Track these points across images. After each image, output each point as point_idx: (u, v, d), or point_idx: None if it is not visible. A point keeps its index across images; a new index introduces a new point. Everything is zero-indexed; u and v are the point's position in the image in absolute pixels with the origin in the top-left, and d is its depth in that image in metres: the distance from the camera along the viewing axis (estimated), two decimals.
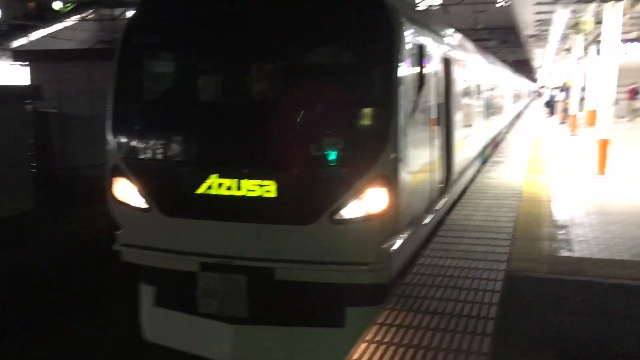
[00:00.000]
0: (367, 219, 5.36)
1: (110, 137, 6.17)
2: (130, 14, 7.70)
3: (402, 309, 5.03)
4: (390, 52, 5.49)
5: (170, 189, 5.98)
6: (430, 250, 6.71)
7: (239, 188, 5.54)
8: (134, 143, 6.15)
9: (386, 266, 5.49)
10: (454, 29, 10.65)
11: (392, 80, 5.45)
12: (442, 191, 7.71)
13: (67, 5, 36.90)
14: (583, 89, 25.73)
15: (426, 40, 6.64)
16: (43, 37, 35.96)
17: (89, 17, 37.35)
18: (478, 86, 12.27)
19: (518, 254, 6.71)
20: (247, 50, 5.96)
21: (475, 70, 11.77)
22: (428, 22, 7.92)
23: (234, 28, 5.92)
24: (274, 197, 5.46)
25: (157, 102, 6.58)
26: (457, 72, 8.85)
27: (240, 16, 5.91)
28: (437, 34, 8.03)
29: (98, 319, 10.15)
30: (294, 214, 5.48)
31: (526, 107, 47.91)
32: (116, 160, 6.12)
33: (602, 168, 12.07)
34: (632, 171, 12.46)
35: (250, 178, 5.50)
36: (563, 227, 8.06)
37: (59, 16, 36.67)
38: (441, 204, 7.77)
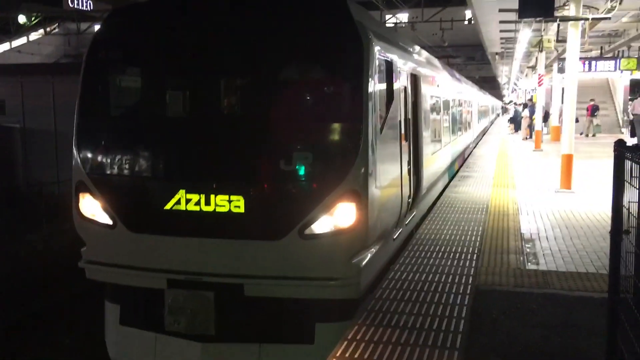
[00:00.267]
0: (336, 233, 5.35)
1: (75, 152, 6.06)
2: (96, 28, 7.60)
3: (371, 324, 5.02)
4: (359, 68, 5.52)
5: (136, 205, 5.90)
6: (400, 265, 6.74)
7: (207, 203, 5.48)
8: (100, 158, 6.06)
9: (356, 281, 5.48)
10: (421, 46, 10.82)
11: (361, 96, 5.47)
12: (411, 206, 7.77)
13: (32, 20, 36.34)
14: (544, 107, 26.27)
15: (394, 57, 6.72)
16: (6, 51, 35.36)
17: (55, 31, 36.88)
18: (446, 102, 12.46)
19: (486, 268, 6.80)
20: (214, 65, 5.94)
21: (443, 86, 11.96)
22: (396, 38, 8.03)
23: (200, 43, 5.90)
24: (242, 212, 5.42)
25: (123, 117, 6.50)
26: (425, 89, 8.97)
27: (207, 31, 5.90)
28: (405, 50, 8.14)
29: (61, 339, 9.88)
30: (263, 229, 5.44)
31: (492, 123, 48.82)
32: (82, 176, 6.00)
33: (566, 182, 12.32)
34: (594, 185, 12.74)
35: (218, 193, 5.44)
36: (529, 240, 8.20)
37: (23, 30, 36.13)
38: (410, 218, 7.84)
